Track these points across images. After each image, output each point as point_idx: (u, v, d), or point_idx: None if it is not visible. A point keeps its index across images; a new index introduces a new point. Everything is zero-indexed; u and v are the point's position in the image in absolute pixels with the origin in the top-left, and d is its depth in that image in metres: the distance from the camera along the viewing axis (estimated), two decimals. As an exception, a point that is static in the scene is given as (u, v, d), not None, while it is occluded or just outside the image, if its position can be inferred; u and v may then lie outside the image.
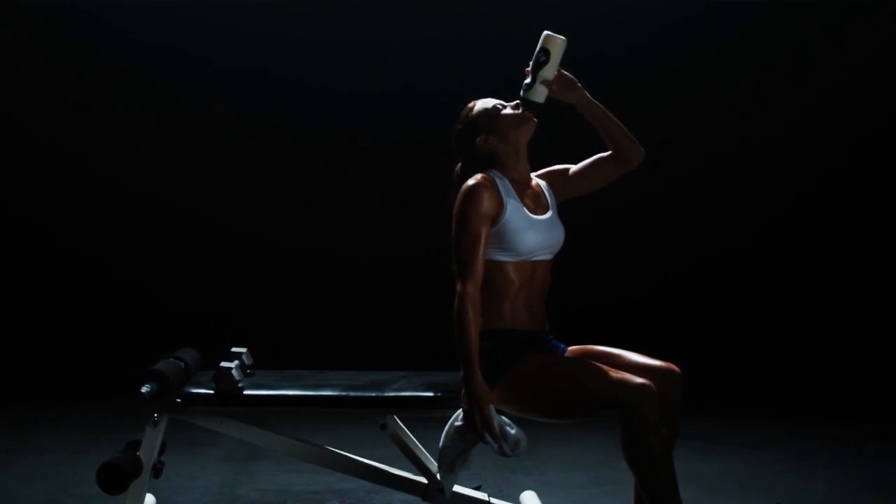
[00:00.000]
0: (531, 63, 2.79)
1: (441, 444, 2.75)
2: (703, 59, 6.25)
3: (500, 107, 2.85)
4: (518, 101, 2.83)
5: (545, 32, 2.80)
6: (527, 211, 2.77)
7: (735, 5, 6.24)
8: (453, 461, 2.75)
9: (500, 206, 2.72)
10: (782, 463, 4.27)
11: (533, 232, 2.75)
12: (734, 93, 6.30)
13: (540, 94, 2.79)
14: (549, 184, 2.92)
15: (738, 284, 6.36)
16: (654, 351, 2.84)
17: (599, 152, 2.90)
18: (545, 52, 2.77)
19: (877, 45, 6.22)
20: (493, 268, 2.73)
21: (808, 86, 6.28)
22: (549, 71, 2.78)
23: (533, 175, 2.92)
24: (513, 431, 2.62)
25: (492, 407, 2.61)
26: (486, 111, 2.84)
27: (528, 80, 2.79)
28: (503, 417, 2.65)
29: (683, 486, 3.79)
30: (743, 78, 6.30)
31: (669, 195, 6.22)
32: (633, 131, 2.85)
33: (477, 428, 2.59)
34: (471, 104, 2.89)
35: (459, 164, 2.90)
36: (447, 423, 2.76)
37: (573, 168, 2.93)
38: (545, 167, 2.98)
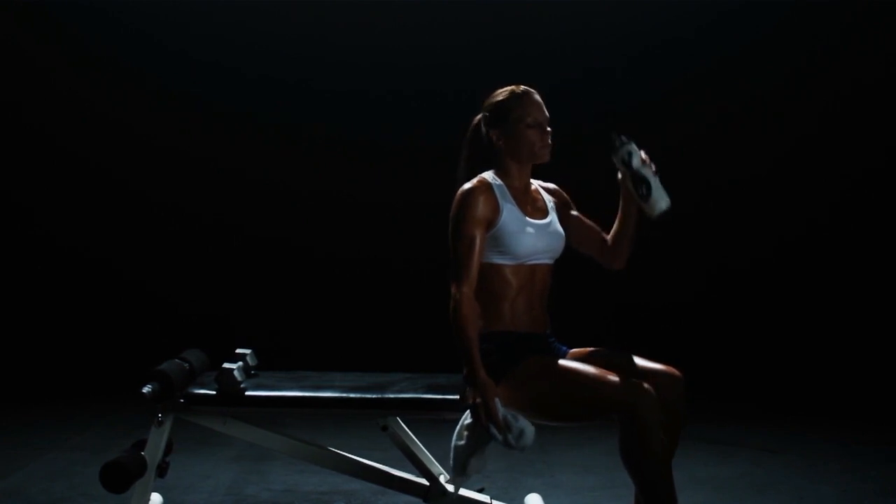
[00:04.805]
0: (649, 170, 2.73)
1: (452, 443, 2.72)
2: (709, 67, 6.25)
3: (532, 123, 2.78)
4: (550, 130, 2.79)
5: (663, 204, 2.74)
6: (524, 215, 2.77)
7: (745, 9, 6.23)
8: (465, 462, 2.72)
9: (496, 210, 2.73)
10: (796, 466, 4.24)
11: (530, 235, 2.75)
12: (742, 103, 6.29)
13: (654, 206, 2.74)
14: (553, 197, 2.93)
15: (757, 290, 6.35)
16: (670, 356, 2.84)
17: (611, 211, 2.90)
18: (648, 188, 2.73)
19: (880, 48, 6.20)
20: (492, 271, 2.74)
21: (813, 92, 6.26)
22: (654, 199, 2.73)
23: (538, 182, 2.92)
24: (517, 423, 2.57)
25: (497, 400, 2.59)
26: (518, 116, 2.78)
27: (645, 189, 2.72)
28: (509, 410, 2.62)
29: (697, 488, 3.81)
30: (750, 87, 6.29)
31: (682, 206, 6.20)
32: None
33: (482, 419, 2.57)
34: (512, 93, 2.82)
35: (465, 154, 2.89)
36: (458, 423, 2.74)
37: (574, 213, 2.94)
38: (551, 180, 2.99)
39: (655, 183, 2.72)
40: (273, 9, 6.32)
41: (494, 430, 2.57)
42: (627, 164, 2.74)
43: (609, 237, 2.90)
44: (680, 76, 6.26)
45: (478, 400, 2.57)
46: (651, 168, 2.74)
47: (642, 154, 2.75)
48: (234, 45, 6.31)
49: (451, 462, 2.74)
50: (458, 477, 2.79)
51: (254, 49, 6.32)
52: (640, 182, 2.72)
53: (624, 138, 2.75)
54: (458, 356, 2.67)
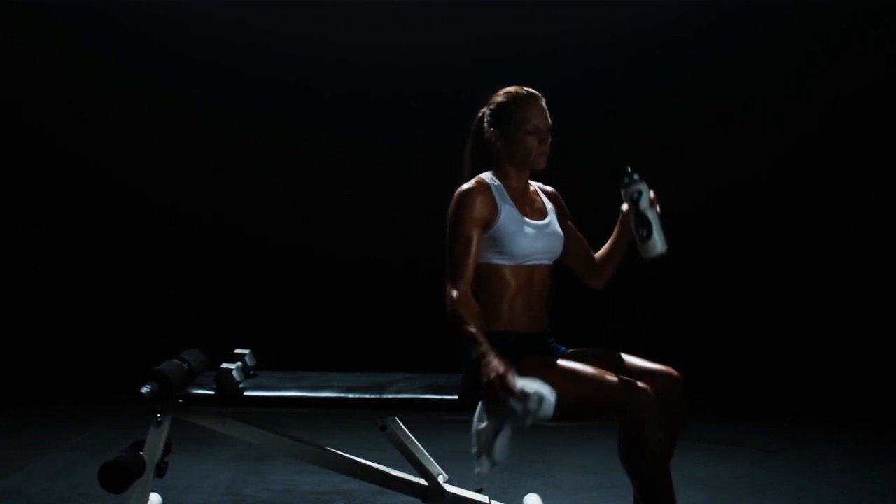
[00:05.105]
0: (654, 212, 2.74)
1: (473, 429, 2.58)
2: (709, 67, 6.25)
3: (532, 129, 2.78)
4: (549, 139, 2.80)
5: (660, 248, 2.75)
6: (523, 215, 2.78)
7: (745, 9, 6.23)
8: (492, 445, 2.53)
9: (494, 210, 2.73)
10: (796, 466, 4.24)
11: (528, 236, 2.75)
12: (742, 103, 6.29)
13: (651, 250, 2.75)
14: (551, 201, 2.93)
15: (757, 290, 6.35)
16: (669, 356, 2.83)
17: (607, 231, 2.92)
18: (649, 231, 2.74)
19: (880, 48, 6.19)
20: (491, 271, 2.74)
21: (813, 92, 6.26)
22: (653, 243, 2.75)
23: (537, 184, 2.92)
24: (531, 390, 2.45)
25: (512, 372, 2.47)
26: (520, 120, 2.78)
27: (646, 232, 2.73)
28: (524, 380, 2.48)
29: (697, 488, 3.81)
30: (750, 87, 6.29)
31: (682, 205, 6.21)
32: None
33: (499, 394, 2.44)
34: (517, 95, 2.81)
35: (469, 147, 2.89)
36: (464, 420, 2.68)
37: (568, 223, 2.95)
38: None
39: (657, 226, 2.73)
40: (273, 9, 6.32)
41: (514, 403, 2.44)
42: (636, 201, 2.75)
43: (597, 257, 2.93)
44: (680, 76, 6.26)
45: (491, 375, 2.45)
46: (656, 210, 2.75)
47: (651, 194, 2.75)
48: (234, 45, 6.31)
49: (474, 450, 2.54)
50: (488, 465, 2.55)
51: (254, 49, 6.32)
52: (643, 224, 2.74)
53: (636, 176, 2.76)
54: (459, 355, 2.66)
